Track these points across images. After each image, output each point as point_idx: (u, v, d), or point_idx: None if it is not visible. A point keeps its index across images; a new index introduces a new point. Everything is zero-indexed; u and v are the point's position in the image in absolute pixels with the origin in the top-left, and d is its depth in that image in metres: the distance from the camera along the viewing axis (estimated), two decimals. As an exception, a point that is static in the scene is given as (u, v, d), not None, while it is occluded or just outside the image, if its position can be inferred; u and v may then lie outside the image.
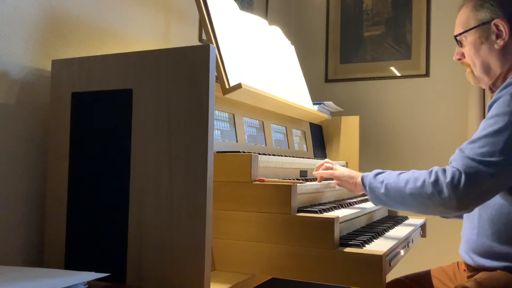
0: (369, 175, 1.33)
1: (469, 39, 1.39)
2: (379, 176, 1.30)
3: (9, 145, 1.19)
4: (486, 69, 1.38)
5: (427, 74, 2.70)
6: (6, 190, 1.18)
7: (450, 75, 2.65)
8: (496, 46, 1.34)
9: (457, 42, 1.43)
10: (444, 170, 1.16)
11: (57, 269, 1.00)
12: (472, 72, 1.43)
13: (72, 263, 1.14)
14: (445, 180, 1.14)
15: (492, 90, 1.41)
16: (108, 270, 1.06)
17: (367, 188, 1.32)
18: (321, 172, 1.50)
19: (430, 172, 1.18)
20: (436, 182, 1.15)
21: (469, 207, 1.17)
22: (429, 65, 2.70)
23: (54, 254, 1.16)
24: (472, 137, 1.19)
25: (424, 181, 1.17)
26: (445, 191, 1.13)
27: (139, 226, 1.07)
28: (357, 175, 1.40)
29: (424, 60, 2.70)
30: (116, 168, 1.10)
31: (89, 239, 1.12)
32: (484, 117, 1.48)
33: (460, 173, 1.13)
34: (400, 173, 1.26)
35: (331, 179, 1.53)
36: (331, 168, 1.51)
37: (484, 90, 2.46)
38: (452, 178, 1.13)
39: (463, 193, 1.12)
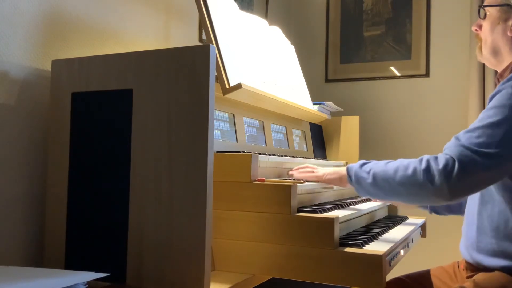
0: (355, 166, 1.29)
1: (491, 14, 1.39)
2: (366, 166, 1.25)
3: (9, 145, 1.19)
4: (495, 50, 1.38)
5: (427, 74, 2.70)
6: (6, 190, 1.18)
7: (450, 75, 2.65)
8: (509, 33, 1.34)
9: (479, 13, 1.42)
10: (436, 158, 1.13)
11: (57, 269, 1.00)
12: (481, 48, 1.43)
13: (72, 263, 1.14)
14: (437, 167, 1.10)
15: (499, 81, 1.41)
16: (108, 270, 1.06)
17: (353, 179, 1.27)
18: (301, 175, 1.43)
19: (421, 160, 1.15)
20: (427, 169, 1.11)
21: (459, 197, 1.13)
22: (429, 65, 2.70)
23: (54, 254, 1.16)
24: (470, 127, 1.18)
25: (415, 169, 1.14)
26: (437, 179, 1.09)
27: (139, 226, 1.07)
28: (342, 168, 1.34)
29: (424, 60, 2.70)
30: (116, 168, 1.10)
31: (89, 239, 1.12)
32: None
33: (454, 160, 1.10)
34: (388, 162, 1.22)
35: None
36: (312, 172, 1.43)
37: (484, 90, 2.45)
38: (446, 165, 1.10)
39: (455, 182, 1.08)
